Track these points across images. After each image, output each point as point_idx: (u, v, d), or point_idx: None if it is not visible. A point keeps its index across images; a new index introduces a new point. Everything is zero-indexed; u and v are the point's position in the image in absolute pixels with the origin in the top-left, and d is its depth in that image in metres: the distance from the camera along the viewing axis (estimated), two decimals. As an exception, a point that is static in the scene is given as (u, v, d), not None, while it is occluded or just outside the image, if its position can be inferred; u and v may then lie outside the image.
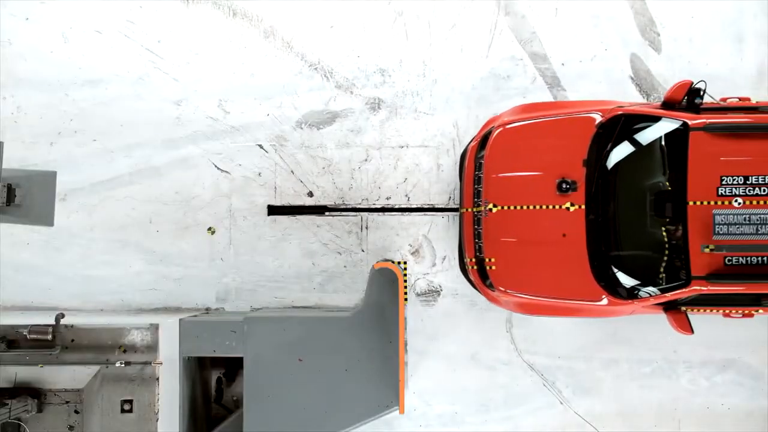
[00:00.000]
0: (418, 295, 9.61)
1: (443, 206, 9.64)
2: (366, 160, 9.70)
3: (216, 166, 9.68)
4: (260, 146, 9.72)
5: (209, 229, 9.69)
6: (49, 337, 8.06)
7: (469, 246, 8.53)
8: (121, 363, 8.09)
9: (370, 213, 9.69)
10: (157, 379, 8.16)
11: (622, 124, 8.09)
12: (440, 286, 9.63)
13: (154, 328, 8.25)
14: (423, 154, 9.68)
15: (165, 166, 9.70)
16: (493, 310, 9.60)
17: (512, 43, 9.77)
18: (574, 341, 9.59)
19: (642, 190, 8.01)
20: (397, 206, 9.69)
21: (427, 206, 9.68)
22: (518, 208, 8.12)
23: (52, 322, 8.07)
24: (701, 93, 8.07)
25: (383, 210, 9.63)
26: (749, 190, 7.69)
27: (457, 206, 9.12)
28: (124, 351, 8.24)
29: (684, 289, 7.82)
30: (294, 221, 9.70)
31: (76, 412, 8.21)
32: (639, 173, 8.04)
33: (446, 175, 9.63)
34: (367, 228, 9.68)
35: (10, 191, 7.22)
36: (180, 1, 9.86)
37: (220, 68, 9.77)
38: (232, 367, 9.40)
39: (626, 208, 8.02)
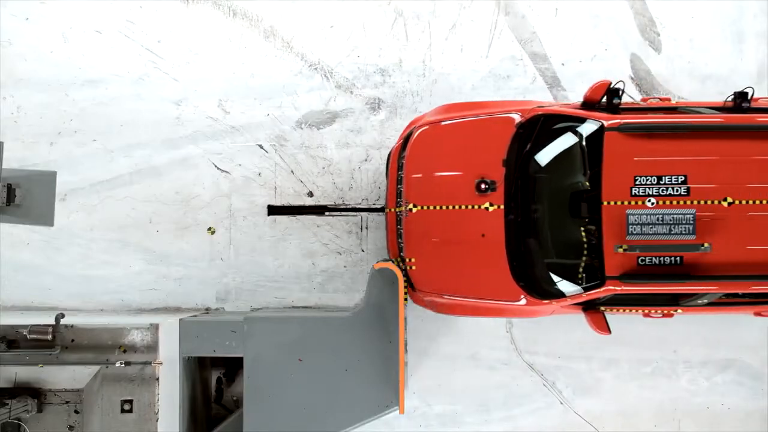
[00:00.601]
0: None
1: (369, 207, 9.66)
2: (366, 160, 9.71)
3: (216, 166, 9.68)
4: (260, 146, 9.72)
5: (209, 229, 9.68)
6: (49, 337, 8.05)
7: (393, 246, 8.54)
8: (121, 363, 8.09)
9: (370, 213, 9.70)
10: (157, 379, 8.16)
11: (541, 124, 8.06)
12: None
13: (154, 328, 8.25)
14: (423, 154, 9.67)
15: (165, 166, 9.70)
16: (493, 310, 9.61)
17: (512, 43, 9.78)
18: (574, 341, 9.59)
19: (562, 190, 7.98)
20: (397, 206, 9.69)
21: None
22: (438, 208, 8.11)
23: (52, 322, 8.07)
24: (620, 93, 8.05)
25: (383, 210, 9.62)
26: (662, 190, 7.68)
27: (383, 206, 9.10)
28: (124, 351, 8.23)
29: (599, 290, 7.80)
30: (294, 221, 9.70)
31: (76, 412, 8.21)
32: (559, 173, 8.01)
33: (446, 175, 9.63)
34: (367, 228, 9.68)
35: (10, 191, 7.22)
36: (180, 1, 9.86)
37: (220, 68, 9.77)
38: (232, 367, 9.41)
39: (546, 208, 7.99)
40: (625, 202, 7.69)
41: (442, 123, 8.41)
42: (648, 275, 7.68)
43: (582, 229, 7.88)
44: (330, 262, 9.63)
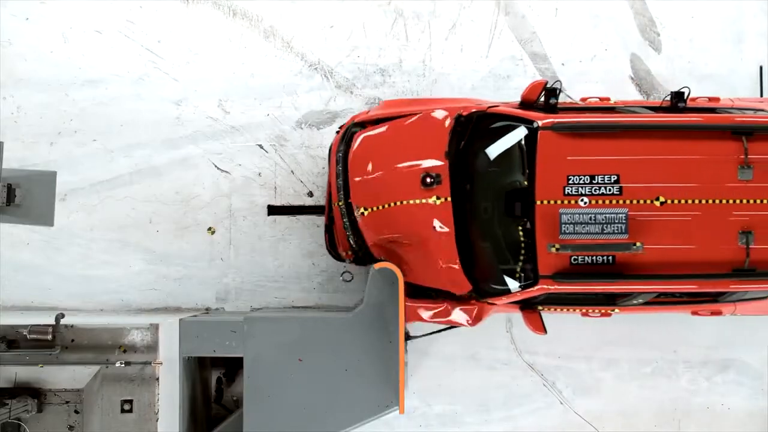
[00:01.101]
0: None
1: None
2: (366, 160, 9.70)
3: (216, 166, 9.68)
4: (260, 146, 9.72)
5: (209, 229, 9.68)
6: (49, 337, 8.06)
7: (343, 239, 8.61)
8: (121, 363, 8.09)
9: (370, 213, 9.68)
10: (157, 379, 8.16)
11: (477, 121, 8.09)
12: (440, 286, 9.63)
13: (154, 328, 8.25)
14: (423, 154, 9.67)
15: (165, 166, 9.70)
16: (493, 310, 9.61)
17: (512, 43, 9.78)
18: (574, 341, 9.59)
19: (499, 189, 7.98)
20: (397, 206, 9.68)
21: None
22: (387, 206, 8.12)
23: (52, 322, 8.07)
24: (557, 93, 8.05)
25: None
26: (595, 189, 7.66)
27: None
28: (124, 351, 8.23)
29: (532, 289, 7.79)
30: (294, 221, 9.70)
31: (76, 412, 8.21)
32: (497, 172, 8.00)
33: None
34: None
35: (10, 191, 7.22)
36: (180, 1, 9.86)
37: (220, 68, 9.77)
38: (232, 367, 9.41)
39: (483, 208, 8.00)
40: (558, 202, 7.68)
41: (382, 126, 8.42)
42: (580, 274, 7.66)
43: (519, 228, 7.87)
44: (330, 262, 9.62)
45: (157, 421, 8.13)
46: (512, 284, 7.93)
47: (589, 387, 9.63)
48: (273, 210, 9.72)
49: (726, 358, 9.61)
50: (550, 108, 8.05)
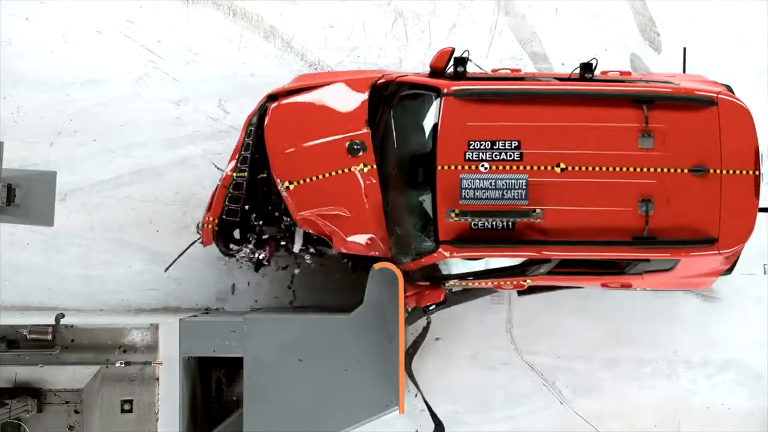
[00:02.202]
0: (418, 295, 9.61)
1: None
2: (366, 160, 9.70)
3: (216, 166, 9.67)
4: (260, 146, 9.71)
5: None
6: (49, 337, 8.06)
7: (217, 207, 8.42)
8: (121, 363, 8.09)
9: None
10: (157, 379, 8.16)
11: (390, 91, 8.13)
12: (440, 286, 9.63)
13: (154, 328, 8.25)
14: (423, 154, 9.67)
15: (165, 166, 9.70)
16: (493, 310, 9.61)
17: (512, 43, 9.78)
18: (574, 341, 9.60)
19: (409, 155, 8.02)
20: (397, 206, 9.68)
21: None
22: (315, 178, 8.08)
23: (52, 322, 8.07)
24: (465, 61, 8.09)
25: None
26: (496, 155, 7.66)
27: None
28: (124, 351, 8.23)
29: (433, 255, 7.80)
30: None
31: (76, 412, 8.21)
32: (409, 139, 8.05)
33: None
34: (367, 228, 9.66)
35: (10, 191, 7.21)
36: (180, 1, 9.86)
37: (220, 68, 9.77)
38: (232, 367, 9.40)
39: (398, 174, 8.03)
40: (459, 167, 7.68)
41: (298, 96, 8.39)
42: (479, 240, 7.67)
43: (424, 194, 7.91)
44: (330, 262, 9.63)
45: (157, 421, 8.13)
46: (424, 246, 7.91)
47: (589, 387, 9.64)
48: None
49: (726, 358, 9.61)
50: (458, 76, 8.07)
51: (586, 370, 9.63)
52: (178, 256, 9.00)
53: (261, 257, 8.63)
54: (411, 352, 9.51)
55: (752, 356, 9.60)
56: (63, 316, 8.13)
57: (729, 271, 8.25)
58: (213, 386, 9.41)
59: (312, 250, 8.68)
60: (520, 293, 9.26)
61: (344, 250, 8.20)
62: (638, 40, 9.77)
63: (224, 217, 8.40)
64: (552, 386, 9.64)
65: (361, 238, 8.12)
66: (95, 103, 9.73)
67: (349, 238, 8.12)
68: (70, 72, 9.75)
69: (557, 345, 9.60)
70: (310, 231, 8.22)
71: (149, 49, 9.78)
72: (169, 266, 9.15)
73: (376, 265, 8.18)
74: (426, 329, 9.61)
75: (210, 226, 8.45)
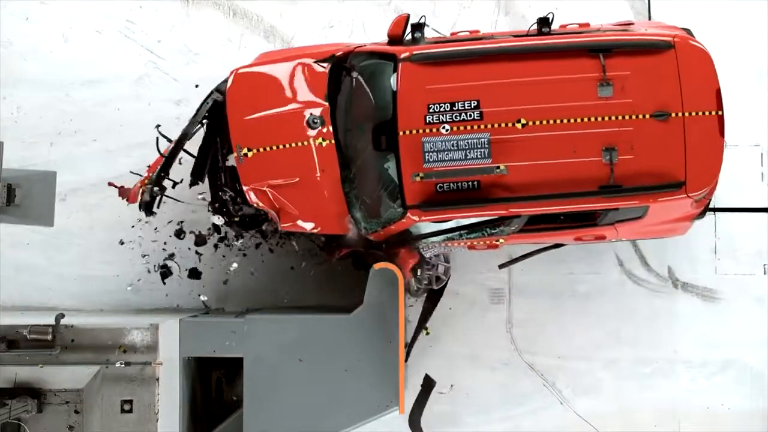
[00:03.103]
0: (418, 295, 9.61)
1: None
2: (366, 160, 9.69)
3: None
4: (260, 146, 9.70)
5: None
6: (49, 337, 8.06)
7: (153, 170, 8.42)
8: (121, 363, 8.09)
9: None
10: (157, 379, 8.16)
11: (351, 62, 8.13)
12: (440, 286, 9.63)
13: (154, 328, 8.25)
14: (423, 154, 9.66)
15: (165, 166, 9.69)
16: (493, 310, 9.62)
17: (512, 43, 9.77)
18: (574, 341, 9.60)
19: (371, 124, 8.01)
20: (397, 206, 9.67)
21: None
22: (273, 148, 8.05)
23: (52, 322, 8.07)
24: (422, 27, 8.10)
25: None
26: (456, 116, 7.66)
27: None
28: (124, 351, 8.23)
29: (402, 221, 7.81)
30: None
31: (76, 412, 8.20)
32: (370, 108, 8.03)
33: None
34: (367, 228, 9.67)
35: (10, 191, 7.22)
36: (180, 1, 9.86)
37: (220, 68, 9.74)
38: (232, 367, 9.40)
39: (361, 145, 8.04)
40: (420, 131, 7.70)
41: (261, 66, 8.40)
42: (446, 202, 7.68)
43: (388, 161, 7.90)
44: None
45: (157, 421, 8.13)
46: (393, 213, 7.91)
47: (589, 387, 9.64)
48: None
49: (726, 358, 9.61)
50: (416, 42, 8.09)
51: (586, 370, 9.63)
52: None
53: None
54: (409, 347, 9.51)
55: (752, 356, 9.60)
56: (63, 316, 8.13)
57: (702, 214, 8.25)
58: (213, 386, 9.41)
59: (235, 226, 8.66)
60: (501, 266, 9.27)
61: (292, 228, 8.16)
62: (638, 40, 9.76)
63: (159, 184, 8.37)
64: (552, 386, 9.64)
65: (313, 214, 8.12)
66: (95, 103, 9.74)
67: (300, 213, 8.11)
68: (70, 72, 9.76)
69: (557, 345, 9.61)
70: (258, 204, 8.15)
71: (149, 49, 9.79)
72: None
73: (376, 265, 8.18)
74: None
75: (141, 187, 8.40)
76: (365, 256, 8.72)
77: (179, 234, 9.47)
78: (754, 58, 9.73)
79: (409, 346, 9.13)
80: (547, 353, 9.62)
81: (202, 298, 9.58)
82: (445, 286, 9.33)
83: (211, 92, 8.43)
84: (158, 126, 8.51)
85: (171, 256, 9.61)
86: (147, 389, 8.18)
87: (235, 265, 9.59)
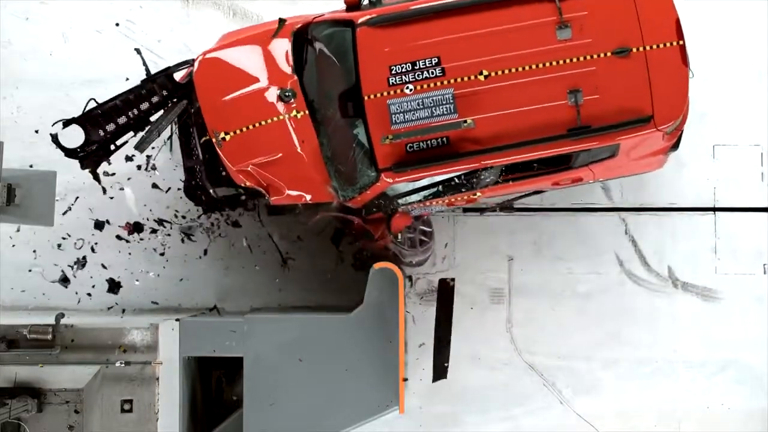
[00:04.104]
0: (418, 294, 9.62)
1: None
2: (366, 160, 9.69)
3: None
4: (260, 146, 9.70)
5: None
6: (49, 337, 8.07)
7: None
8: (121, 363, 8.10)
9: (370, 213, 9.68)
10: (157, 379, 8.17)
11: (311, 34, 8.12)
12: (440, 286, 9.65)
13: (154, 328, 8.26)
14: (423, 154, 9.66)
15: (165, 166, 9.68)
16: (493, 310, 9.61)
17: (512, 43, 9.76)
18: (574, 341, 9.60)
19: (336, 92, 8.02)
20: (397, 206, 9.68)
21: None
22: (249, 127, 8.05)
23: (52, 322, 8.08)
24: None
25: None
26: (418, 75, 7.68)
27: None
28: (124, 351, 8.24)
29: (377, 184, 7.84)
30: (295, 220, 9.69)
31: (76, 412, 8.21)
32: (335, 77, 8.04)
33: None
34: (367, 228, 9.67)
35: (10, 191, 7.23)
36: (180, 1, 9.86)
37: (220, 68, 9.75)
38: (232, 367, 9.40)
39: (330, 114, 8.04)
40: (385, 93, 7.72)
41: (225, 49, 8.36)
42: (417, 161, 7.70)
43: (358, 127, 7.92)
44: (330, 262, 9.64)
45: (157, 421, 8.14)
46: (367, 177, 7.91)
47: (589, 387, 9.64)
48: (273, 210, 9.70)
49: (726, 358, 9.61)
50: (373, 6, 8.07)
51: (586, 370, 9.63)
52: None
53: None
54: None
55: (752, 356, 9.60)
56: (63, 316, 8.14)
57: (675, 146, 8.25)
58: (213, 386, 9.41)
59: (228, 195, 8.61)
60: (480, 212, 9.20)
61: (282, 201, 8.16)
62: (638, 40, 9.76)
63: None
64: (552, 386, 9.64)
65: (301, 185, 8.12)
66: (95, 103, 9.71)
67: (288, 186, 8.10)
68: (70, 72, 9.75)
69: (557, 345, 9.60)
70: (247, 184, 8.15)
71: (149, 49, 9.78)
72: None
73: (376, 265, 8.19)
74: None
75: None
76: (344, 224, 8.70)
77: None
78: (754, 58, 9.73)
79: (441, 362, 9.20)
80: (547, 353, 9.62)
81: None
82: (453, 286, 9.35)
83: (166, 84, 8.39)
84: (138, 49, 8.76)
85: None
86: (147, 389, 8.19)
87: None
